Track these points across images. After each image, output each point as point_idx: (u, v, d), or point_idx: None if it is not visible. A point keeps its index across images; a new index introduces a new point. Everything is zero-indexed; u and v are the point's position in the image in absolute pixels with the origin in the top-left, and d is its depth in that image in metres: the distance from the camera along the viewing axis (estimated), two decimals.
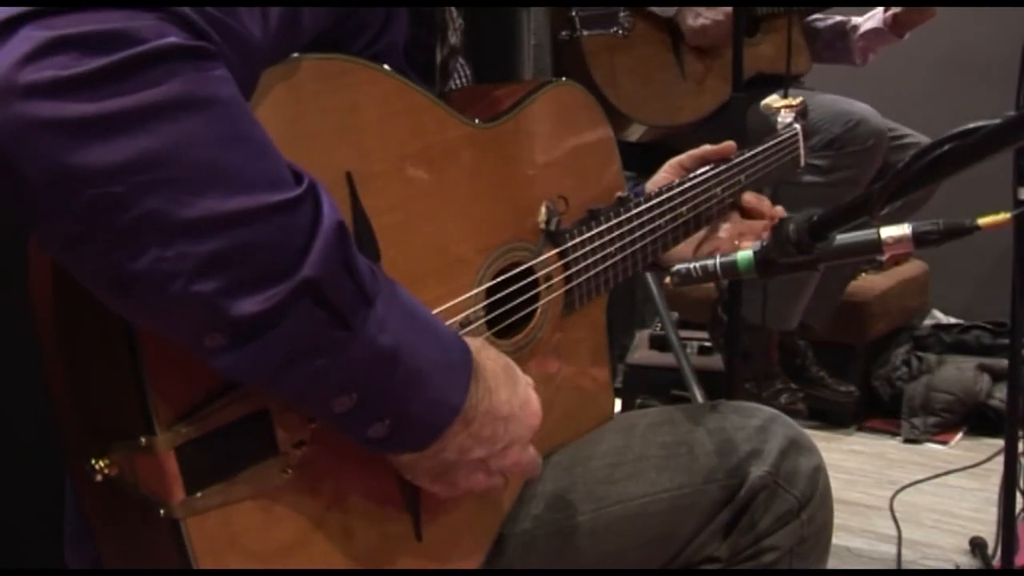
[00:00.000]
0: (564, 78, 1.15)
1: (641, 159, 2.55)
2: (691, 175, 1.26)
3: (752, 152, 1.35)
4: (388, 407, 0.79)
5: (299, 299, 0.70)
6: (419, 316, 0.81)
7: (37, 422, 0.84)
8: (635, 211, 1.16)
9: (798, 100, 1.51)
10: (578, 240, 1.10)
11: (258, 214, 0.68)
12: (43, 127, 0.62)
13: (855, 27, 2.79)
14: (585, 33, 2.30)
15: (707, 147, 1.28)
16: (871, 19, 2.76)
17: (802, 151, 1.49)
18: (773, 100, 1.52)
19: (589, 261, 1.12)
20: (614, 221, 1.14)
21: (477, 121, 1.00)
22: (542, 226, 1.07)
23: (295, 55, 0.81)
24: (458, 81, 1.18)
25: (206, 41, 0.68)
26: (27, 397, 0.87)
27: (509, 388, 0.89)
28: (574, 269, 1.10)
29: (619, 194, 1.18)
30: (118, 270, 0.66)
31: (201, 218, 0.66)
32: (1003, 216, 0.91)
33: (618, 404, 3.01)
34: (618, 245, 1.15)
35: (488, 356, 0.89)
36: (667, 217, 1.20)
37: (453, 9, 1.10)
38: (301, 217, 0.71)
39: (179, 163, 0.65)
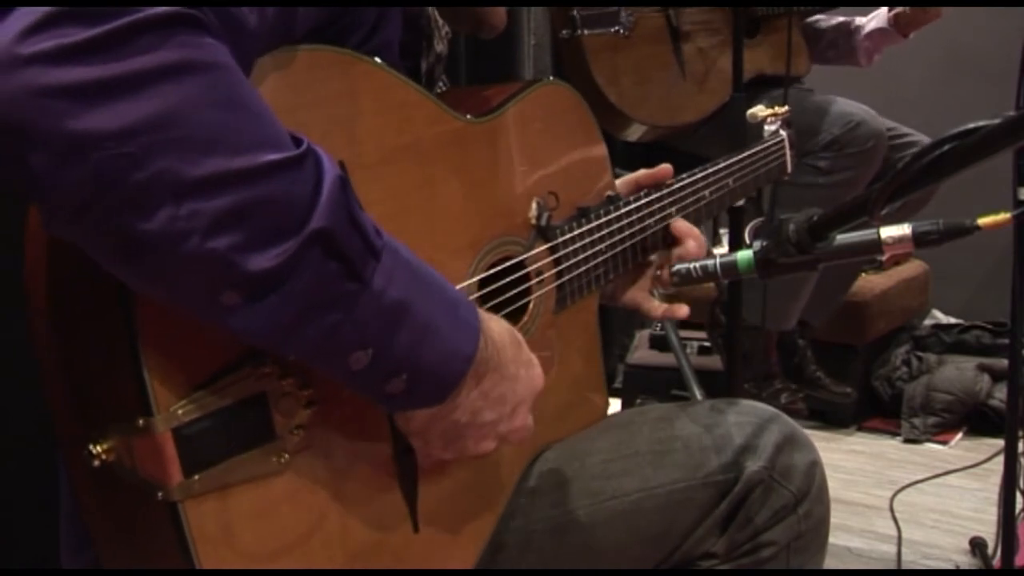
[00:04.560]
0: (552, 77, 1.15)
1: (642, 159, 2.56)
2: (681, 176, 1.26)
3: (739, 156, 1.37)
4: (403, 361, 0.79)
5: (311, 250, 0.72)
6: (423, 271, 0.82)
7: (34, 421, 0.84)
8: (624, 210, 1.17)
9: (783, 109, 1.55)
10: (568, 236, 1.11)
11: (265, 170, 0.69)
12: (49, 94, 0.63)
13: (859, 27, 2.78)
14: (586, 32, 2.30)
15: (642, 171, 1.28)
16: (875, 19, 2.75)
17: (789, 158, 1.52)
18: (759, 110, 1.57)
19: (580, 257, 1.12)
20: (604, 219, 1.15)
21: (468, 116, 1.01)
22: (533, 221, 1.08)
23: (289, 46, 0.82)
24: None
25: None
26: (25, 396, 0.87)
27: (515, 348, 0.91)
28: (565, 265, 1.11)
29: (608, 193, 1.18)
30: (131, 233, 0.67)
31: (211, 175, 0.67)
32: (1003, 216, 0.91)
33: (618, 404, 3.03)
34: (608, 243, 1.15)
35: (491, 318, 0.91)
36: (656, 217, 1.21)
37: (439, 17, 1.11)
38: (306, 172, 0.72)
39: (186, 124, 0.66)
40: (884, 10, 2.72)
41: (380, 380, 0.80)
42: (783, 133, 1.52)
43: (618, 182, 1.27)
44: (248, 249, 0.69)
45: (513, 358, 0.90)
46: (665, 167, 1.27)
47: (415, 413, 0.86)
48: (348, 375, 0.79)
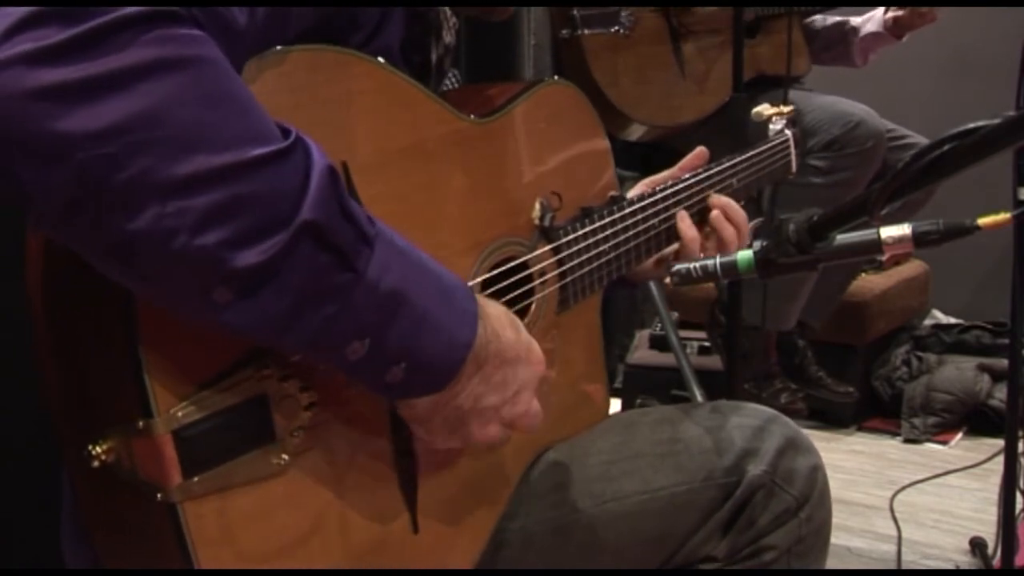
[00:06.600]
0: (557, 77, 1.15)
1: (642, 159, 2.56)
2: (685, 176, 1.26)
3: (744, 156, 1.36)
4: (401, 350, 0.79)
5: (301, 243, 0.71)
6: (418, 258, 0.82)
7: (34, 421, 0.84)
8: (628, 210, 1.17)
9: (788, 108, 1.54)
10: (572, 237, 1.11)
11: (251, 165, 0.69)
12: (30, 96, 0.63)
13: (855, 28, 2.79)
14: (586, 32, 2.30)
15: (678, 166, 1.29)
16: (870, 21, 2.75)
17: (793, 157, 1.51)
18: (764, 108, 1.55)
19: (583, 258, 1.12)
20: (607, 219, 1.14)
21: (472, 116, 1.01)
22: (536, 222, 1.08)
23: (287, 47, 0.81)
24: (449, 84, 1.18)
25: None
26: (25, 396, 0.87)
27: (513, 331, 0.90)
28: (568, 265, 1.11)
29: (612, 193, 1.18)
30: (119, 233, 0.67)
31: (196, 172, 0.67)
32: (1003, 216, 0.91)
33: (618, 404, 3.03)
34: (612, 243, 1.15)
35: (488, 302, 0.90)
36: (661, 217, 1.21)
37: (447, 8, 1.10)
38: (293, 165, 0.71)
39: (168, 121, 0.66)
40: (879, 13, 2.72)
41: (378, 370, 0.79)
42: (788, 132, 1.50)
43: (647, 181, 1.27)
44: (237, 244, 0.69)
45: (513, 342, 0.89)
46: (700, 150, 1.27)
47: (417, 401, 0.85)
48: (346, 366, 0.78)
